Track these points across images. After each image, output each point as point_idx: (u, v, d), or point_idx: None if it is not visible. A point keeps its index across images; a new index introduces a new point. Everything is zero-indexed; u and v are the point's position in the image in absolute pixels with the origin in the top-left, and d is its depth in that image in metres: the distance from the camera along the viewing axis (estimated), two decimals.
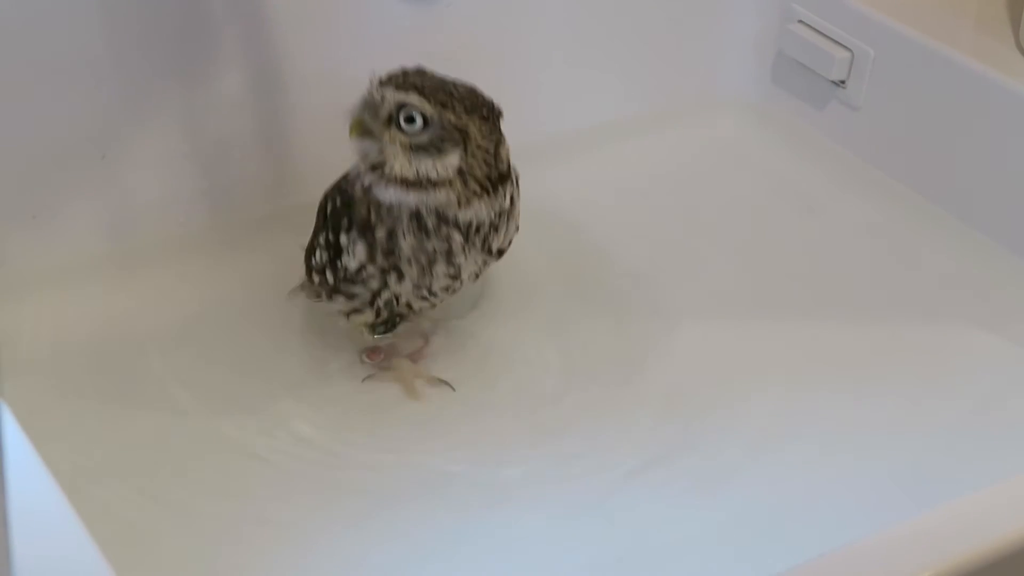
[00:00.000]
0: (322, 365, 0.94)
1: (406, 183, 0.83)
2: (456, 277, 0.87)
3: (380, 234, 0.85)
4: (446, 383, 0.92)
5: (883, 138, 1.11)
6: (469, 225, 0.84)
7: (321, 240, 0.89)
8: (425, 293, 0.88)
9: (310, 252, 0.91)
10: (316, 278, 0.90)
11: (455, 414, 0.91)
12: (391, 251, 0.85)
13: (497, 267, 0.99)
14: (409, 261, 0.85)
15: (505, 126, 0.86)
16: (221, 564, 0.80)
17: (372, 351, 0.93)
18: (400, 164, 0.83)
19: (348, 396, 0.92)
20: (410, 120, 0.83)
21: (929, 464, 0.87)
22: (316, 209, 0.91)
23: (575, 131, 1.15)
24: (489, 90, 0.87)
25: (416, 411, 0.91)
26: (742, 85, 1.20)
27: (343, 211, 0.87)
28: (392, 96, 0.83)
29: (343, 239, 0.86)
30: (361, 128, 0.85)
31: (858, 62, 1.11)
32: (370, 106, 0.84)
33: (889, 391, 0.93)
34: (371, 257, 0.85)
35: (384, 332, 0.91)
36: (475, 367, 0.94)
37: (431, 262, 0.85)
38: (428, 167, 0.83)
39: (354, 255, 0.86)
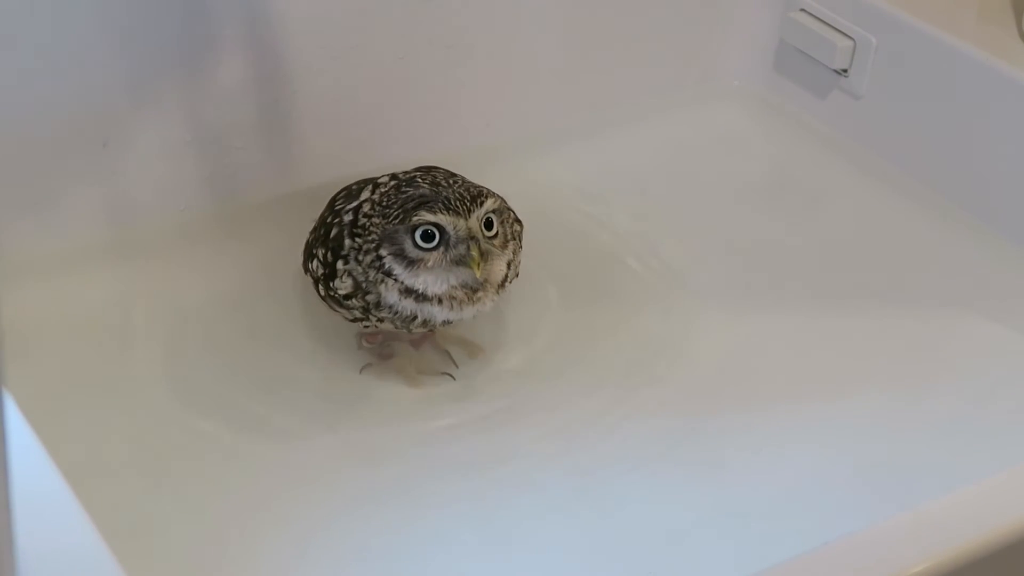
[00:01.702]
0: (322, 352, 0.94)
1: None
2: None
3: (370, 298, 0.86)
4: (448, 374, 0.92)
5: (885, 127, 1.11)
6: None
7: (319, 253, 0.89)
8: (406, 331, 0.89)
9: (309, 248, 0.91)
10: (310, 278, 0.91)
11: (456, 403, 0.91)
12: (377, 305, 0.86)
13: None
14: (389, 319, 0.87)
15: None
16: (225, 552, 0.80)
17: (371, 334, 0.93)
18: (496, 273, 0.85)
19: (348, 384, 0.92)
20: (496, 221, 0.85)
21: (931, 454, 0.87)
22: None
23: (578, 120, 1.15)
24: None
25: (417, 399, 0.91)
26: (745, 74, 1.20)
27: (343, 239, 0.87)
28: (481, 209, 0.83)
29: (339, 265, 0.87)
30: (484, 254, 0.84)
31: (860, 51, 1.10)
32: (468, 234, 0.83)
33: (891, 381, 0.93)
34: (356, 294, 0.86)
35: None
36: (477, 358, 0.94)
37: (411, 320, 0.86)
38: (502, 266, 0.86)
39: (343, 283, 0.87)
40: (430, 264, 0.84)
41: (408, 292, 0.85)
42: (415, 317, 0.86)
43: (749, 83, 1.20)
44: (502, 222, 0.85)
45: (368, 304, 0.86)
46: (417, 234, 0.83)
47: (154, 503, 0.82)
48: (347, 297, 0.87)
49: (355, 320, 0.89)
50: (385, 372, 0.92)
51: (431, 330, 0.90)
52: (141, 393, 0.90)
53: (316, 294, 0.90)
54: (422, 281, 0.84)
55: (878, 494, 0.84)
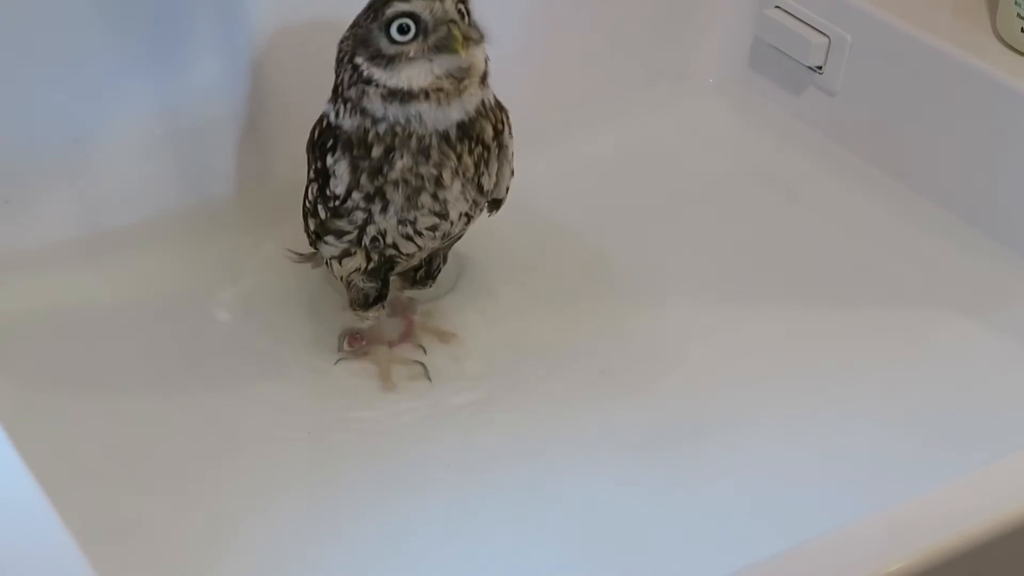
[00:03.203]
0: (298, 350, 0.94)
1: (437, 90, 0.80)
2: (443, 216, 0.84)
3: (376, 152, 0.82)
4: (421, 364, 0.92)
5: (860, 124, 1.11)
6: (464, 131, 0.82)
7: (311, 173, 0.86)
8: (410, 231, 0.84)
9: (304, 203, 0.88)
10: (311, 224, 0.88)
11: (431, 401, 0.90)
12: (379, 170, 0.82)
13: (476, 250, 0.98)
14: (396, 184, 0.82)
15: None
16: (201, 553, 0.79)
17: (353, 336, 0.92)
18: (479, 60, 0.82)
19: (324, 381, 0.91)
20: (467, 11, 0.81)
21: (912, 451, 0.87)
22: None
23: (551, 119, 1.14)
24: None
25: (391, 396, 0.90)
26: (719, 71, 1.20)
27: (328, 132, 0.84)
28: None
29: (329, 160, 0.83)
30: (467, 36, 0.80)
31: (835, 48, 1.11)
32: (445, 17, 0.79)
33: (869, 378, 0.93)
34: (356, 180, 0.82)
35: (371, 304, 0.90)
36: (449, 352, 0.94)
37: (418, 189, 0.82)
38: (482, 58, 0.82)
39: (339, 177, 0.83)
40: (411, 55, 0.80)
41: (392, 95, 0.80)
42: (421, 187, 0.82)
43: (724, 80, 1.20)
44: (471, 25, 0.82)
45: (372, 171, 0.82)
46: (392, 29, 0.80)
47: (130, 505, 0.81)
48: (346, 197, 0.83)
49: (360, 238, 0.85)
50: (361, 369, 0.92)
51: (440, 216, 0.84)
52: (116, 393, 0.89)
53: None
54: (405, 77, 0.80)
55: (859, 492, 0.83)
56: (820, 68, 1.12)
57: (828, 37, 1.11)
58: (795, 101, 1.16)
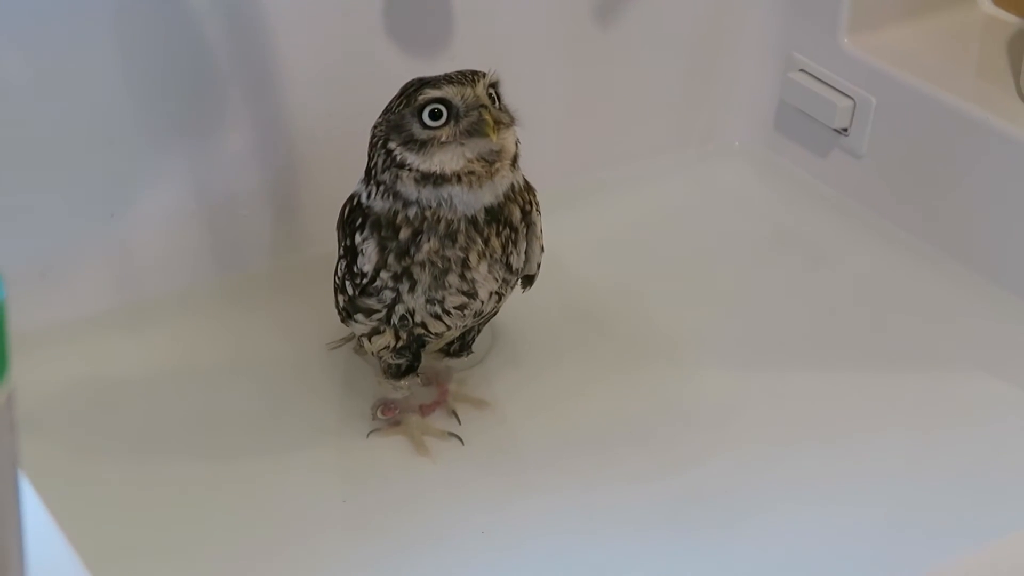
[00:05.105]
0: (327, 420, 0.94)
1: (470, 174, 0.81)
2: (472, 295, 0.85)
3: (404, 235, 0.82)
4: (456, 436, 0.92)
5: (886, 186, 1.12)
6: (492, 215, 0.83)
7: (341, 250, 0.87)
8: (439, 311, 0.85)
9: (334, 279, 0.89)
10: (340, 300, 0.88)
11: (464, 469, 0.90)
12: (406, 252, 0.82)
13: (510, 317, 0.99)
14: (423, 265, 0.83)
15: None
16: None
17: (386, 407, 0.93)
18: (509, 143, 0.83)
19: (358, 451, 0.92)
20: (498, 95, 0.82)
21: (939, 514, 0.87)
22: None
23: (579, 181, 1.15)
24: None
25: (425, 466, 0.90)
26: (745, 134, 1.21)
27: (358, 211, 0.85)
28: (484, 79, 0.81)
29: (357, 239, 0.84)
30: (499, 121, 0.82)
31: (860, 110, 1.11)
32: (476, 102, 0.81)
33: (896, 439, 0.93)
34: (383, 259, 0.83)
35: (403, 374, 0.90)
36: (484, 420, 0.94)
37: (445, 271, 0.83)
38: (512, 141, 0.83)
39: (367, 256, 0.83)
40: (443, 139, 0.81)
41: (425, 179, 0.81)
42: (448, 268, 0.82)
43: (750, 143, 1.21)
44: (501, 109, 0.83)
45: (399, 252, 0.82)
46: (425, 114, 0.81)
47: (167, 574, 0.82)
48: (374, 276, 0.84)
49: (388, 317, 0.85)
50: (393, 437, 0.92)
51: (469, 296, 0.85)
52: (153, 462, 0.90)
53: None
54: (437, 161, 0.81)
55: (886, 555, 0.83)
56: (845, 130, 1.13)
57: (853, 100, 1.11)
58: (821, 163, 1.16)
